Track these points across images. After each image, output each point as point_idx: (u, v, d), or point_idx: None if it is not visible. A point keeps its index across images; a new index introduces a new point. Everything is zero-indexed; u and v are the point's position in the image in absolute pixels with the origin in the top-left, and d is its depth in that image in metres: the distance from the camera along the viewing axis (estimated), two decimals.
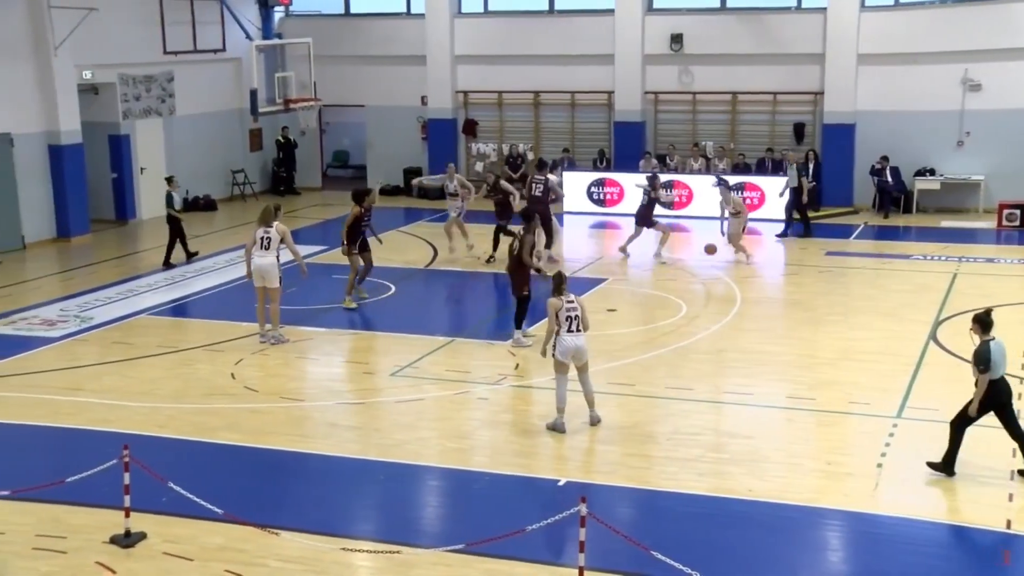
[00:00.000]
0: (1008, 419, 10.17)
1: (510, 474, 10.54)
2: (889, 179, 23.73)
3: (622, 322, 15.79)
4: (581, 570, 8.20)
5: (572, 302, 11.42)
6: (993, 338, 10.05)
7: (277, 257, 14.55)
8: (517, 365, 13.85)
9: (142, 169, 24.31)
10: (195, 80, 25.49)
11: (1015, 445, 10.32)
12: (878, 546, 9.10)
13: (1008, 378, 10.20)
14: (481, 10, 27.28)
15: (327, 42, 26.39)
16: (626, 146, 25.76)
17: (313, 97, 24.49)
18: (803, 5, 24.95)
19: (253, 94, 22.73)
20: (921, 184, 23.85)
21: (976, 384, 10.07)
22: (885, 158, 23.65)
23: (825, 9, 24.26)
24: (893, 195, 23.78)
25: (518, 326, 14.55)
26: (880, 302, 16.86)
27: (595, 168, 25.56)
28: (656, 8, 25.75)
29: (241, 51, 25.72)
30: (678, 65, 25.50)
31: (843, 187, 24.51)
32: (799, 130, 24.92)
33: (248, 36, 24.53)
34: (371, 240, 17.43)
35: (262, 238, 14.51)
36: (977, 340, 10.13)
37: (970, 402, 10.11)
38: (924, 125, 23.78)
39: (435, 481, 10.69)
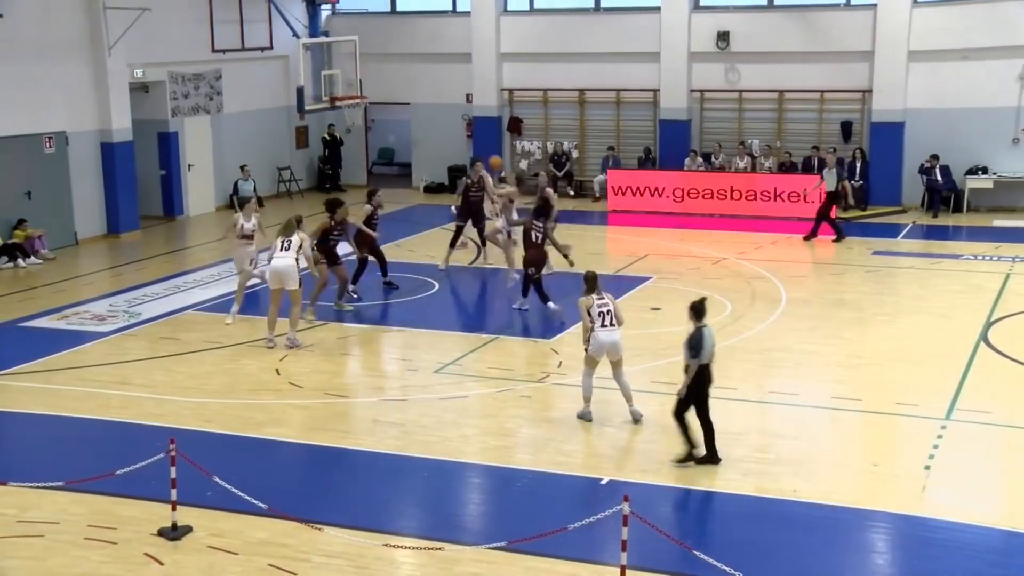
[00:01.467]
0: (702, 406, 10.48)
1: (553, 472, 10.53)
2: (939, 178, 23.38)
3: (666, 321, 15.70)
4: (623, 569, 8.17)
5: (603, 299, 11.53)
6: (706, 325, 10.41)
7: (296, 260, 14.55)
8: (560, 363, 13.84)
9: (190, 166, 24.60)
10: (243, 78, 25.76)
11: None
12: (926, 550, 8.98)
13: None
14: (527, 8, 27.28)
15: (373, 40, 26.53)
16: (672, 144, 25.62)
17: (359, 95, 24.66)
18: (852, 2, 24.66)
19: (300, 92, 22.91)
20: (973, 183, 23.47)
21: (686, 370, 10.42)
22: (935, 156, 23.30)
23: (875, 6, 23.96)
24: (943, 194, 23.43)
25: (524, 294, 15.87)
26: (929, 302, 16.63)
27: (641, 166, 25.47)
28: (703, 6, 25.57)
29: (288, 49, 25.96)
30: (724, 63, 25.32)
31: (891, 186, 24.19)
32: (846, 128, 24.64)
33: (295, 34, 24.74)
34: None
35: (282, 241, 14.60)
36: (692, 327, 10.44)
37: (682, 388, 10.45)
38: (977, 122, 23.40)
39: (477, 478, 10.71)
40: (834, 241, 20.97)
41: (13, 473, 10.27)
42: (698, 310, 10.47)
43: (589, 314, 11.42)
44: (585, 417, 11.67)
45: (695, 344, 10.31)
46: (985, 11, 23.34)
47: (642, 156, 25.79)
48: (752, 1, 25.52)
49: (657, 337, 14.68)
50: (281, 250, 14.60)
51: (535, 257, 15.63)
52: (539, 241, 15.68)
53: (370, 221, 16.93)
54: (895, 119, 24.04)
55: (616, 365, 11.60)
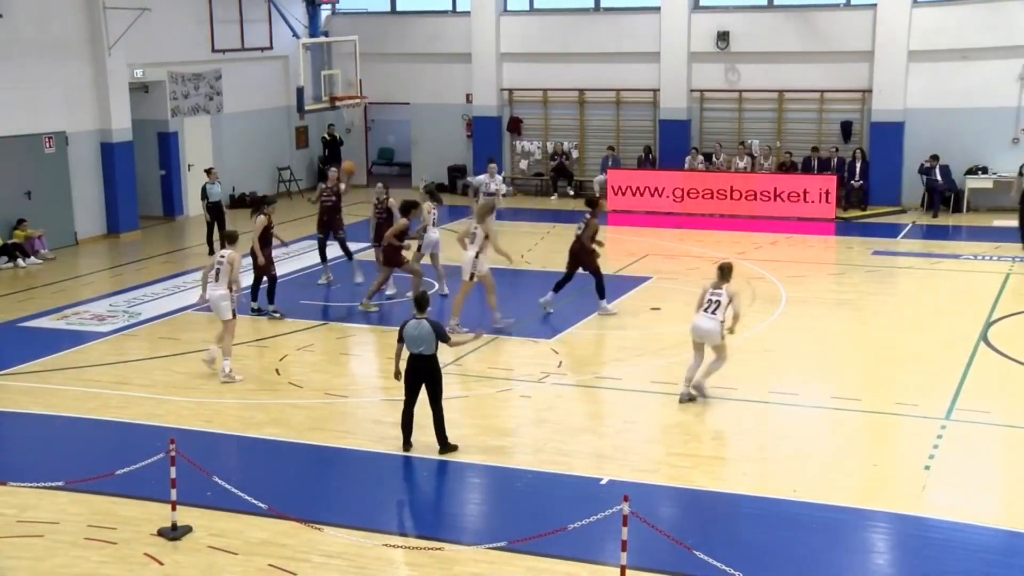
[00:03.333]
0: (413, 397, 10.93)
1: (552, 472, 10.54)
2: (939, 178, 23.38)
3: (667, 320, 15.69)
4: (623, 569, 8.18)
5: (719, 290, 12.15)
6: (417, 318, 10.69)
7: (476, 254, 14.97)
8: (560, 363, 13.84)
9: (190, 166, 24.59)
10: (243, 78, 25.78)
11: None
12: (925, 549, 8.98)
13: None
14: (527, 8, 27.29)
15: (373, 40, 26.53)
16: (672, 144, 25.63)
17: (359, 95, 24.65)
18: (852, 2, 24.67)
19: (300, 92, 22.93)
20: (972, 183, 23.47)
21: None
22: (935, 157, 23.30)
23: (875, 6, 23.96)
24: (943, 194, 23.43)
25: (601, 296, 15.74)
26: (929, 302, 16.63)
27: (640, 166, 25.48)
28: (703, 6, 25.57)
29: (288, 49, 25.97)
30: (724, 63, 25.32)
31: (891, 186, 24.20)
32: (846, 128, 24.65)
33: (295, 34, 24.73)
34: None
35: (472, 234, 15.13)
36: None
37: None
38: (977, 122, 23.40)
39: (477, 478, 10.71)
40: None
41: (13, 473, 10.27)
42: (419, 304, 10.91)
43: (702, 298, 12.19)
44: (682, 398, 12.18)
45: (400, 332, 10.81)
46: (985, 11, 23.33)
47: (642, 156, 25.79)
48: (752, 1, 25.52)
49: (657, 337, 14.68)
50: (470, 243, 15.15)
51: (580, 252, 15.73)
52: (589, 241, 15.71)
53: (267, 234, 15.73)
54: (895, 119, 24.04)
55: (705, 351, 12.25)
